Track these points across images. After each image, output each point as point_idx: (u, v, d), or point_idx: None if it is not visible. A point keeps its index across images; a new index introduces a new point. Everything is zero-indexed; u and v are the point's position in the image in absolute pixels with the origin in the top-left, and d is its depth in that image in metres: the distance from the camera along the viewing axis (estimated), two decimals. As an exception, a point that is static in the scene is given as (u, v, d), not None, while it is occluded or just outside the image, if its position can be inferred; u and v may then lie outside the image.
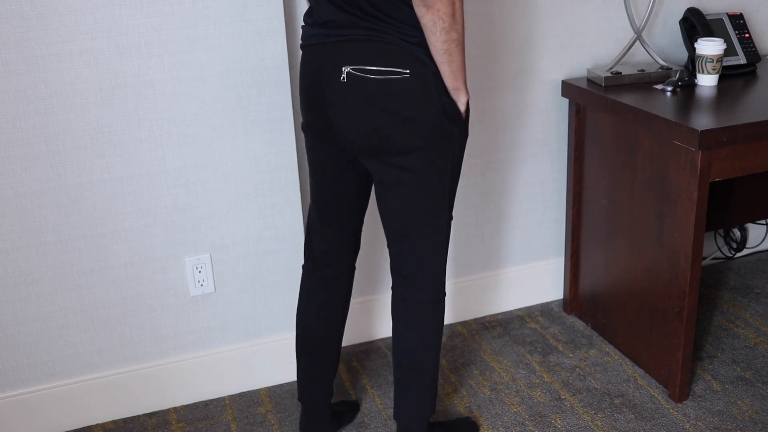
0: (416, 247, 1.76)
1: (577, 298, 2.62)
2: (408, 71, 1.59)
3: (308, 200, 2.32)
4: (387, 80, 1.59)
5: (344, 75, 1.61)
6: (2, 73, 1.87)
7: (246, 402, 2.28)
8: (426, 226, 1.74)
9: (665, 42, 2.55)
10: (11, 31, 1.85)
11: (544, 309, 2.69)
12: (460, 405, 2.23)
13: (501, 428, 2.13)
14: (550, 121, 2.51)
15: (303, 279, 1.95)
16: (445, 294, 1.83)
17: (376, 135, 1.63)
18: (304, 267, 1.94)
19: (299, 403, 2.22)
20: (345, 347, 2.51)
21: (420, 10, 1.52)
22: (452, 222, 2.50)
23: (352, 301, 2.48)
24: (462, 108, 1.66)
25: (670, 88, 2.26)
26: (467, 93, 1.65)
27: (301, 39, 1.72)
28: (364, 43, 1.59)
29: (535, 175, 2.56)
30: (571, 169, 2.48)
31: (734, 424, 2.10)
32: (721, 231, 2.92)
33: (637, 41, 2.42)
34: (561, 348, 2.47)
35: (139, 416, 2.24)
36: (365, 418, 2.18)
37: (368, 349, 2.50)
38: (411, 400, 1.88)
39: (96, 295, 2.11)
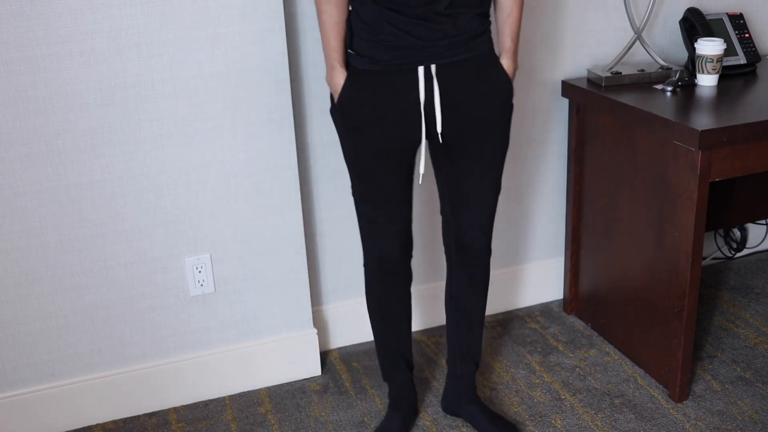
0: None
1: (577, 298, 2.62)
2: None
3: (308, 200, 2.32)
4: None
5: None
6: (2, 73, 1.87)
7: (246, 402, 2.28)
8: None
9: (665, 42, 2.55)
10: (11, 31, 1.84)
11: (544, 309, 2.69)
12: (460, 405, 2.22)
13: (501, 428, 2.13)
14: (550, 121, 2.51)
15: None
16: (369, 263, 1.96)
17: None
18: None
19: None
20: (344, 347, 2.51)
21: None
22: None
23: (351, 300, 2.48)
24: (331, 89, 1.82)
25: (670, 88, 2.25)
26: (329, 73, 1.80)
27: None
28: None
29: (535, 175, 2.56)
30: (571, 169, 2.48)
31: (734, 424, 2.10)
32: (721, 231, 2.92)
33: (637, 41, 2.42)
34: (561, 348, 2.46)
35: (139, 416, 2.24)
36: (365, 418, 2.18)
37: (369, 348, 2.50)
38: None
39: (96, 295, 2.11)
